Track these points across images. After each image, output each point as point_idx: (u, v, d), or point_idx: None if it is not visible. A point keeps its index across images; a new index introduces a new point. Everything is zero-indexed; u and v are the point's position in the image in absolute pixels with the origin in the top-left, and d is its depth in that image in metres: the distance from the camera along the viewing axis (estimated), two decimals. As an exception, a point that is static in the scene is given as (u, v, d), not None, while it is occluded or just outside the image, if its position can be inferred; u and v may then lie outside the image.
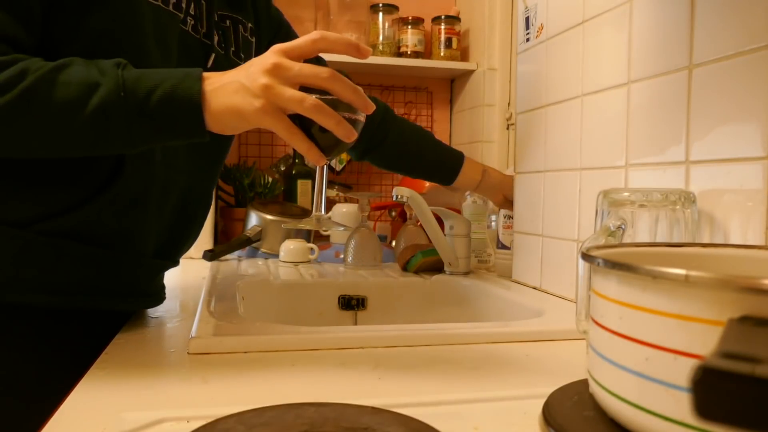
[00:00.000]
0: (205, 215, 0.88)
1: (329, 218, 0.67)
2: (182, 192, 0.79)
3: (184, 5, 0.75)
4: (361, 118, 0.63)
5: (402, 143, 1.12)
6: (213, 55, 0.79)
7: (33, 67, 0.57)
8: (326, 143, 0.61)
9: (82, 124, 0.57)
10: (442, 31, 1.77)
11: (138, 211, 0.72)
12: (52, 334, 0.70)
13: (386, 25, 1.76)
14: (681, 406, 0.33)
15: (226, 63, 0.82)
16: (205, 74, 0.60)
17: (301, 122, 0.59)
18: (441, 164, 1.14)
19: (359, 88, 0.61)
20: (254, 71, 0.58)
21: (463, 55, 1.81)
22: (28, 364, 0.69)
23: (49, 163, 0.65)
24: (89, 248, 0.69)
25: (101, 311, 0.74)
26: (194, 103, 0.58)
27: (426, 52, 1.80)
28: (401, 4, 1.77)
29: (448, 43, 1.76)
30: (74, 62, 0.59)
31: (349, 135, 0.59)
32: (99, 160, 0.67)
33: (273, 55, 0.59)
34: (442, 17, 1.77)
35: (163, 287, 0.86)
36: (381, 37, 1.75)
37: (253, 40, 0.90)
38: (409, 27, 1.76)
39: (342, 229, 0.72)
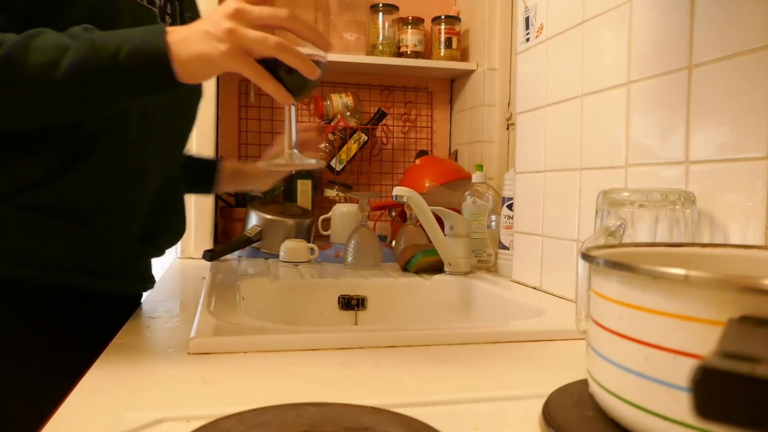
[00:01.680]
0: (183, 203, 0.91)
1: (300, 154, 0.72)
2: (160, 179, 0.83)
3: (158, 2, 0.79)
4: (323, 58, 0.67)
5: None
6: None
7: (8, 39, 0.60)
8: (293, 84, 0.64)
9: (57, 84, 0.60)
10: (442, 31, 1.77)
11: (112, 189, 0.74)
12: (38, 310, 0.72)
13: (386, 25, 1.76)
14: (681, 406, 0.33)
15: None
16: (169, 28, 0.63)
17: (269, 66, 0.62)
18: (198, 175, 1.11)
19: (316, 27, 0.65)
20: (217, 18, 0.61)
21: (463, 55, 1.81)
22: (19, 339, 0.71)
23: (18, 138, 0.68)
24: (66, 224, 0.71)
25: (86, 291, 0.76)
26: (162, 54, 0.60)
27: (426, 52, 1.80)
28: (401, 4, 1.77)
29: (448, 43, 1.76)
30: (46, 31, 0.62)
31: (312, 72, 0.63)
32: (69, 135, 0.70)
33: (233, 1, 0.62)
34: (442, 17, 1.77)
35: (150, 276, 0.88)
36: (381, 37, 1.75)
37: None
38: (409, 27, 1.76)
39: (313, 161, 0.75)
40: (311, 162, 0.73)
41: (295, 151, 0.71)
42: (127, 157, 0.75)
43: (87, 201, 0.72)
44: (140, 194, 0.79)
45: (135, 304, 0.86)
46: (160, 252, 0.88)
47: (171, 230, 0.89)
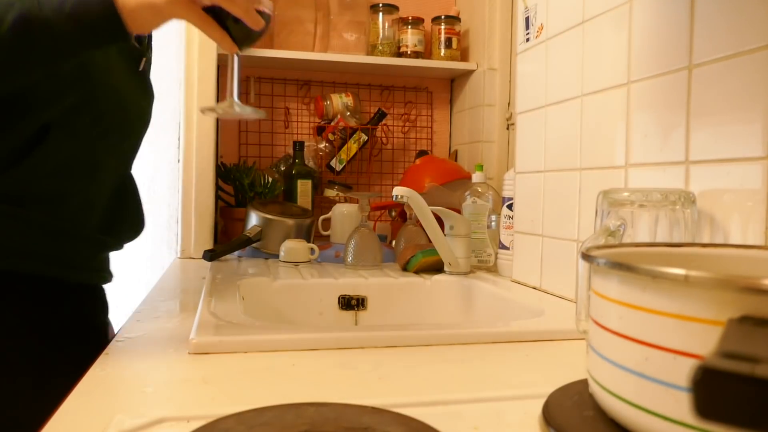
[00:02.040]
0: (137, 196, 0.93)
1: (241, 104, 0.75)
2: (114, 173, 0.85)
3: None
4: (268, 10, 0.69)
5: None
6: (144, 59, 0.86)
7: None
8: (238, 34, 0.68)
9: (3, 40, 0.60)
10: (442, 31, 1.77)
11: (64, 180, 0.76)
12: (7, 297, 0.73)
13: (386, 25, 1.76)
14: (681, 406, 0.33)
15: (148, 67, 0.90)
16: None
17: (216, 15, 0.65)
18: None
19: None
20: None
21: (463, 55, 1.81)
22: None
23: None
24: (22, 211, 0.72)
25: (45, 278, 0.76)
26: (108, 3, 0.61)
27: (426, 52, 1.80)
28: (401, 4, 1.77)
29: (448, 43, 1.76)
30: None
31: (257, 23, 0.66)
32: (21, 126, 0.70)
33: None
34: (442, 17, 1.76)
35: (109, 269, 0.90)
36: (381, 37, 1.75)
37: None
38: (409, 27, 1.76)
39: (250, 110, 0.77)
40: (249, 111, 0.76)
41: (235, 99, 0.74)
42: (78, 149, 0.76)
43: (40, 190, 0.74)
44: (93, 186, 0.81)
45: (97, 297, 0.87)
46: (119, 245, 0.90)
47: (126, 221, 0.91)
